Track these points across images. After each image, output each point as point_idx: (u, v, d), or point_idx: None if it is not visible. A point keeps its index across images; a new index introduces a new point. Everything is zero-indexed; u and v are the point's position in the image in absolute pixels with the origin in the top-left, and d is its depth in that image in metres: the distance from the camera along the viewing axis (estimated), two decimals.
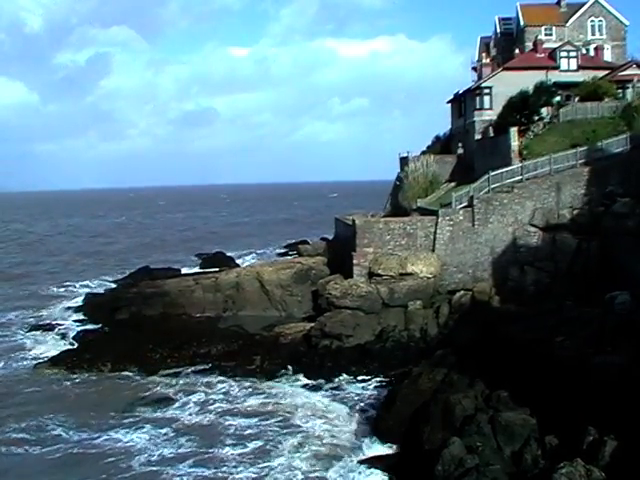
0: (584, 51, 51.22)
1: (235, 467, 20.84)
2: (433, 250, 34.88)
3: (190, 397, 27.34)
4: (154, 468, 20.89)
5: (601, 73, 46.95)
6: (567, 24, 54.09)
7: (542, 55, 50.01)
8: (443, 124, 58.34)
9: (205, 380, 29.31)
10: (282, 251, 70.20)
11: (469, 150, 49.11)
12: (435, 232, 34.97)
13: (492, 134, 45.24)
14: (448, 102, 56.71)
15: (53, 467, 21.24)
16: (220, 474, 20.51)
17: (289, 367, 30.12)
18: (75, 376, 30.09)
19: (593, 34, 53.99)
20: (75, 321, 40.25)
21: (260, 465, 20.88)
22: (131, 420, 24.83)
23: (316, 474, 20.28)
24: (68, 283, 55.57)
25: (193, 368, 30.75)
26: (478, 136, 47.79)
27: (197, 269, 57.77)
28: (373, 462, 20.30)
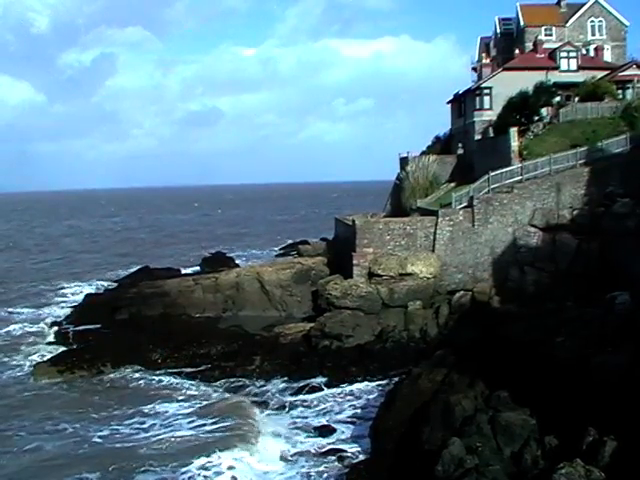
0: (584, 51, 51.25)
1: (226, 469, 20.76)
2: (433, 250, 34.87)
3: (189, 397, 27.35)
4: (153, 466, 20.93)
5: (601, 73, 46.99)
6: (567, 24, 54.11)
7: (542, 55, 50.03)
8: (447, 124, 58.36)
9: (204, 380, 29.31)
10: (282, 251, 70.18)
11: (469, 150, 49.11)
12: (435, 232, 34.96)
13: (492, 134, 45.25)
14: (448, 102, 56.72)
15: (48, 464, 21.24)
16: (212, 474, 20.43)
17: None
18: (75, 376, 30.06)
19: (593, 34, 53.99)
20: (75, 321, 40.17)
21: (254, 467, 20.79)
22: (130, 420, 24.84)
23: (314, 476, 20.31)
24: (67, 283, 55.54)
25: (193, 368, 30.73)
26: (478, 136, 47.80)
27: (197, 269, 57.74)
28: (372, 463, 20.28)
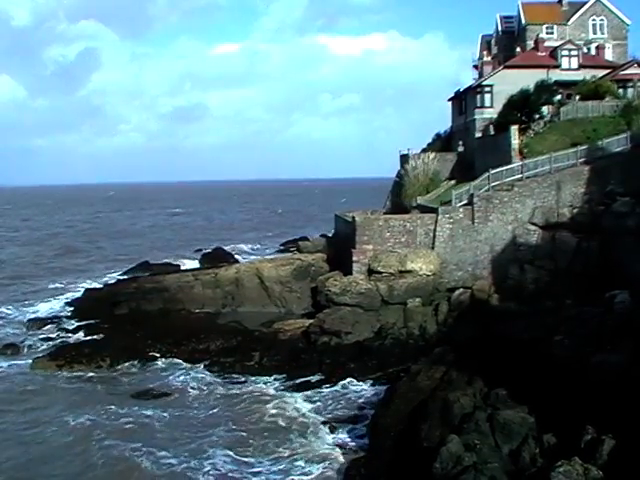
0: (585, 50, 51.20)
1: (224, 465, 20.85)
2: (433, 248, 34.88)
3: (189, 392, 27.40)
4: (152, 461, 20.95)
5: (602, 72, 47.00)
6: (568, 23, 54.05)
7: (543, 54, 50.05)
8: (438, 121, 58.75)
9: (203, 376, 29.34)
10: (282, 247, 70.20)
11: (469, 148, 49.10)
12: (435, 230, 34.97)
13: (493, 132, 45.23)
14: (449, 100, 56.71)
15: (49, 461, 21.32)
16: (211, 468, 20.60)
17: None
18: (73, 370, 30.06)
19: (594, 33, 53.94)
20: (74, 316, 40.17)
21: (250, 464, 20.88)
22: (129, 415, 24.85)
23: (310, 473, 20.33)
24: (67, 278, 55.49)
25: (192, 364, 30.75)
26: (479, 134, 47.80)
27: (197, 264, 57.71)
28: (371, 459, 20.31)
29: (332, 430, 23.17)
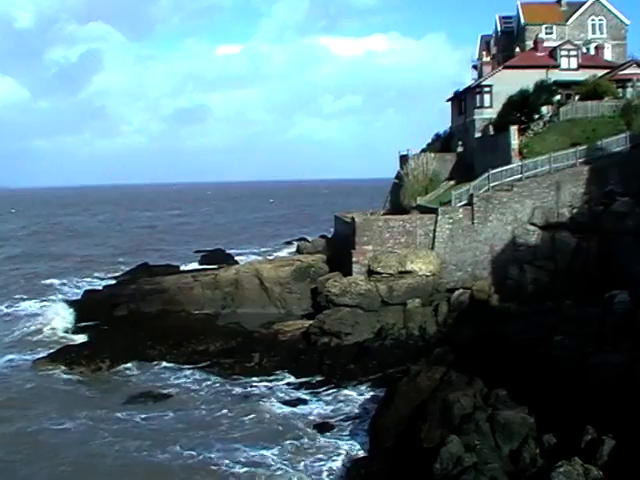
0: (584, 50, 51.25)
1: (227, 465, 20.84)
2: (432, 248, 34.87)
3: (188, 394, 27.38)
4: (152, 461, 20.95)
5: (601, 72, 46.97)
6: (568, 23, 54.10)
7: (542, 54, 50.03)
8: (439, 122, 58.71)
9: (203, 377, 29.33)
10: (282, 248, 70.15)
11: (469, 148, 49.09)
12: (434, 230, 34.96)
13: (492, 132, 45.23)
14: (448, 100, 56.70)
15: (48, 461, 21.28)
16: (211, 467, 20.63)
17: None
18: (73, 372, 30.04)
19: (594, 33, 53.99)
20: (74, 317, 40.09)
21: (249, 465, 20.83)
22: (129, 416, 24.84)
23: (310, 474, 20.31)
24: (66, 279, 55.47)
25: (191, 365, 30.74)
26: (478, 134, 47.79)
27: (196, 265, 57.65)
28: (371, 460, 20.29)
29: (332, 430, 23.17)
